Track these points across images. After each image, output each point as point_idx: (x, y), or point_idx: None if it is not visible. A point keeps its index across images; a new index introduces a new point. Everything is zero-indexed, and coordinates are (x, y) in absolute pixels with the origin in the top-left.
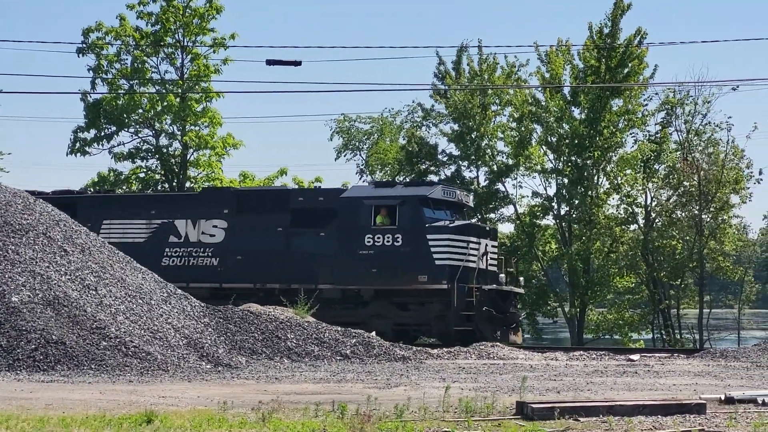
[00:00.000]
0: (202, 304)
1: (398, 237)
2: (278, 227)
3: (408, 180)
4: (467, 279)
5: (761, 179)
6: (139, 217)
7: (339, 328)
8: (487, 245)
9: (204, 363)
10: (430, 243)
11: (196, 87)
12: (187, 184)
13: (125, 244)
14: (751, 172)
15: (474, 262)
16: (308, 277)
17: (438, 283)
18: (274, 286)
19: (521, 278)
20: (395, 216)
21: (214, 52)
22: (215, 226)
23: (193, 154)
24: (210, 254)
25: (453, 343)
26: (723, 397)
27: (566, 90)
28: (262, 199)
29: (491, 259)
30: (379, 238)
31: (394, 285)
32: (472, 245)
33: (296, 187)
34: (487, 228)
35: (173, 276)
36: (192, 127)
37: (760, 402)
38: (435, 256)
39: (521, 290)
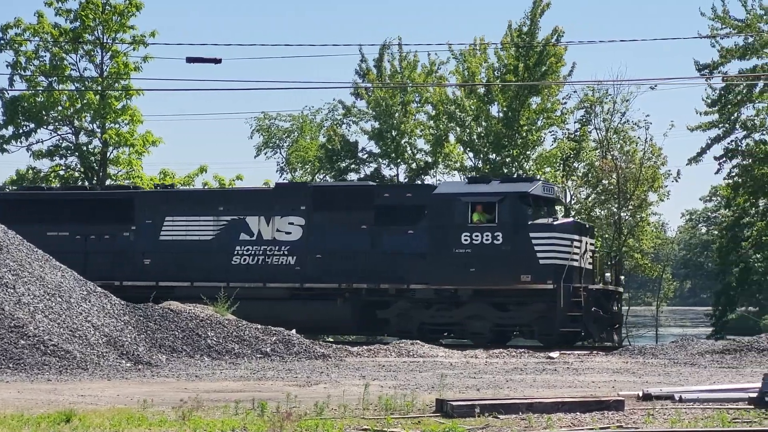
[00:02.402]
0: (123, 302)
1: (498, 235)
2: (362, 224)
3: (505, 176)
4: (572, 278)
5: (679, 178)
6: (205, 214)
7: (259, 326)
8: (587, 243)
9: (124, 361)
10: (534, 241)
11: (116, 84)
12: (108, 182)
13: (190, 242)
14: (669, 170)
15: (577, 261)
16: (398, 276)
17: (542, 282)
18: (362, 286)
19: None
20: (494, 213)
21: (134, 49)
22: (292, 223)
23: (113, 151)
24: (286, 253)
25: (556, 345)
26: (641, 394)
27: (483, 89)
28: (344, 195)
29: (589, 257)
30: (477, 236)
31: (493, 285)
32: (575, 243)
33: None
34: (587, 226)
35: (246, 275)
36: (112, 125)
37: (677, 398)
38: (539, 254)
39: (621, 289)
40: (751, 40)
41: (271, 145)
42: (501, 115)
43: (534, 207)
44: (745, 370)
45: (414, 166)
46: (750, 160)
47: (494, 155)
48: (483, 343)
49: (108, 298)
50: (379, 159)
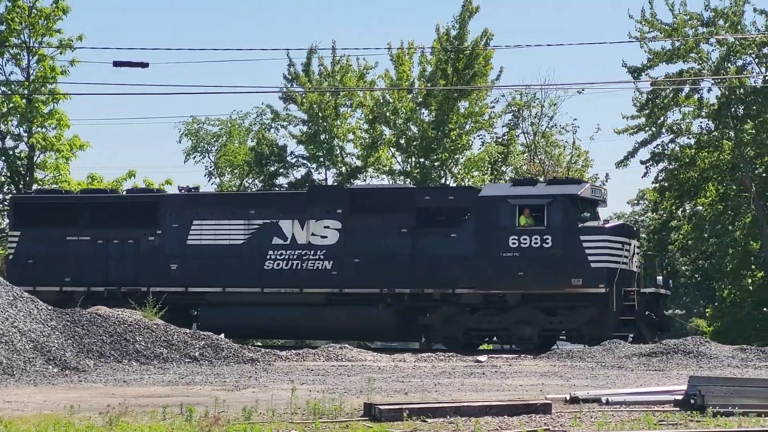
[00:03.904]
0: (50, 307)
1: (547, 238)
2: (402, 228)
3: (552, 178)
4: (623, 282)
5: (607, 182)
6: (236, 217)
7: (188, 330)
8: (634, 246)
9: (51, 367)
10: (585, 245)
11: (43, 88)
12: (34, 186)
13: (220, 246)
14: (596, 174)
15: (627, 264)
16: (443, 281)
17: (594, 286)
18: (404, 291)
19: None
20: (543, 216)
21: (61, 53)
22: (327, 227)
23: (39, 156)
24: (322, 257)
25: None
26: (568, 397)
27: (415, 92)
28: (383, 197)
29: (636, 259)
30: (525, 239)
31: (543, 289)
32: (626, 246)
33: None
34: (634, 228)
35: (280, 280)
36: (39, 129)
37: (604, 401)
38: (590, 258)
39: (669, 292)
40: (678, 44)
41: (200, 149)
42: (431, 118)
43: (582, 209)
44: (671, 372)
45: (344, 169)
46: (676, 165)
47: (424, 159)
48: (530, 349)
49: (35, 303)
50: (309, 163)
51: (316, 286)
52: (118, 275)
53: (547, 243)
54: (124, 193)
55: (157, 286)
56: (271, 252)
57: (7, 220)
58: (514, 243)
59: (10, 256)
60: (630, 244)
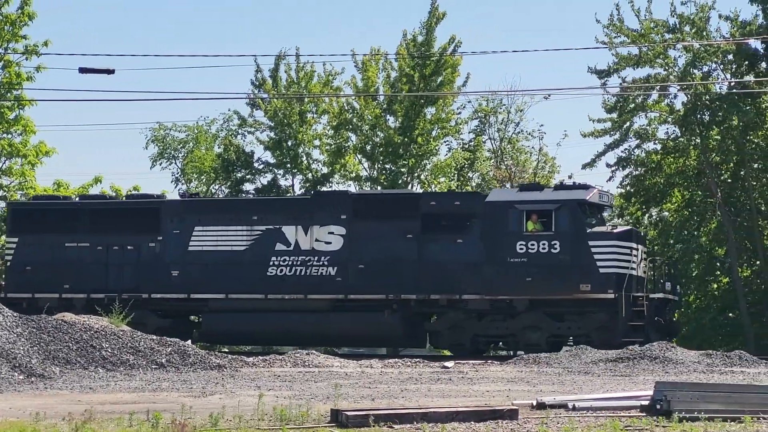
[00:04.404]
0: (15, 314)
1: (555, 244)
2: (408, 234)
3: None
4: (632, 287)
5: (566, 181)
6: (238, 223)
7: (154, 337)
8: (641, 251)
9: (16, 374)
10: (593, 250)
11: (9, 94)
12: None
13: (222, 253)
14: (563, 180)
15: (635, 269)
16: (450, 286)
17: (603, 292)
18: (411, 297)
19: None
20: (551, 221)
21: (26, 59)
22: (331, 233)
23: (5, 162)
24: (326, 263)
25: None
26: (535, 403)
27: (381, 98)
28: (387, 203)
29: (643, 265)
30: (533, 244)
31: (551, 294)
32: (634, 251)
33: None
34: (641, 233)
35: (283, 287)
36: (4, 135)
37: (571, 407)
38: (599, 263)
39: (677, 298)
40: (645, 49)
41: (166, 155)
42: (398, 124)
43: (590, 215)
44: (637, 378)
45: (310, 176)
46: (642, 170)
47: (390, 165)
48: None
49: (0, 310)
50: (275, 169)
51: (320, 292)
52: (118, 282)
53: (555, 248)
54: (124, 198)
55: (158, 292)
56: (274, 258)
57: None
58: (521, 248)
59: (8, 263)
60: (638, 249)
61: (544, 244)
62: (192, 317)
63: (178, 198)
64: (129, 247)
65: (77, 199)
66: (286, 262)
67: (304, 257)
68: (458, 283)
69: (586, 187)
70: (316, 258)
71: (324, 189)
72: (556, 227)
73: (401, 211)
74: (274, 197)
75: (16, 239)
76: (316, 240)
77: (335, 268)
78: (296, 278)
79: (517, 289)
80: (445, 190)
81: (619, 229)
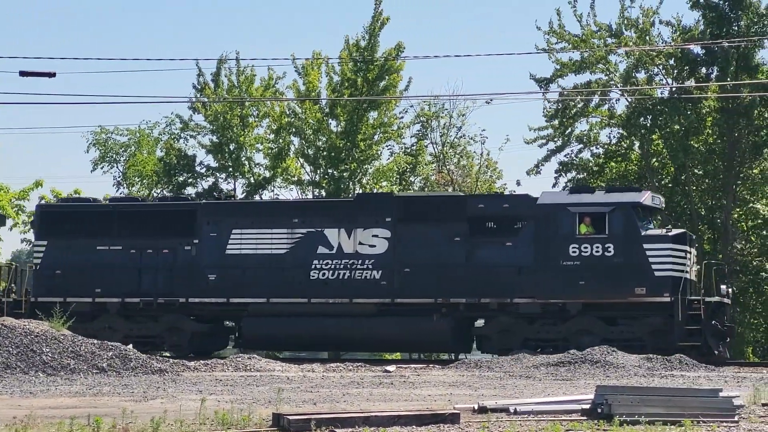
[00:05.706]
0: None
1: (609, 246)
2: (455, 237)
3: (610, 185)
4: (687, 291)
5: (515, 191)
6: (278, 226)
7: (95, 341)
8: (694, 254)
9: None
10: (648, 253)
11: None
12: None
13: (262, 256)
14: (505, 184)
15: (689, 273)
16: (500, 290)
17: (658, 295)
18: (460, 301)
19: None
20: (604, 224)
21: None
22: (376, 236)
23: None
24: (370, 267)
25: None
26: (476, 407)
27: (323, 102)
28: (434, 205)
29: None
30: (586, 247)
31: (605, 298)
32: (688, 255)
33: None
34: (693, 236)
35: (326, 291)
36: None
37: (513, 411)
38: (654, 267)
39: (730, 301)
40: (586, 55)
41: (108, 159)
42: (340, 129)
43: (642, 217)
44: (579, 382)
45: (252, 180)
46: (585, 175)
47: (332, 169)
48: None
49: None
50: (217, 173)
51: (364, 296)
52: (152, 286)
53: (609, 251)
54: (157, 201)
55: (194, 296)
56: (316, 261)
57: None
58: (574, 251)
59: (36, 267)
60: (690, 253)
61: (597, 247)
62: (227, 322)
63: (215, 200)
64: (164, 251)
65: (109, 201)
66: (329, 266)
67: (347, 260)
68: (508, 286)
69: (638, 189)
70: (360, 261)
71: (368, 192)
72: (609, 230)
73: (448, 214)
74: (316, 200)
75: (45, 242)
76: (360, 243)
77: (380, 272)
78: (340, 282)
79: (569, 292)
80: (492, 192)
81: (674, 231)
